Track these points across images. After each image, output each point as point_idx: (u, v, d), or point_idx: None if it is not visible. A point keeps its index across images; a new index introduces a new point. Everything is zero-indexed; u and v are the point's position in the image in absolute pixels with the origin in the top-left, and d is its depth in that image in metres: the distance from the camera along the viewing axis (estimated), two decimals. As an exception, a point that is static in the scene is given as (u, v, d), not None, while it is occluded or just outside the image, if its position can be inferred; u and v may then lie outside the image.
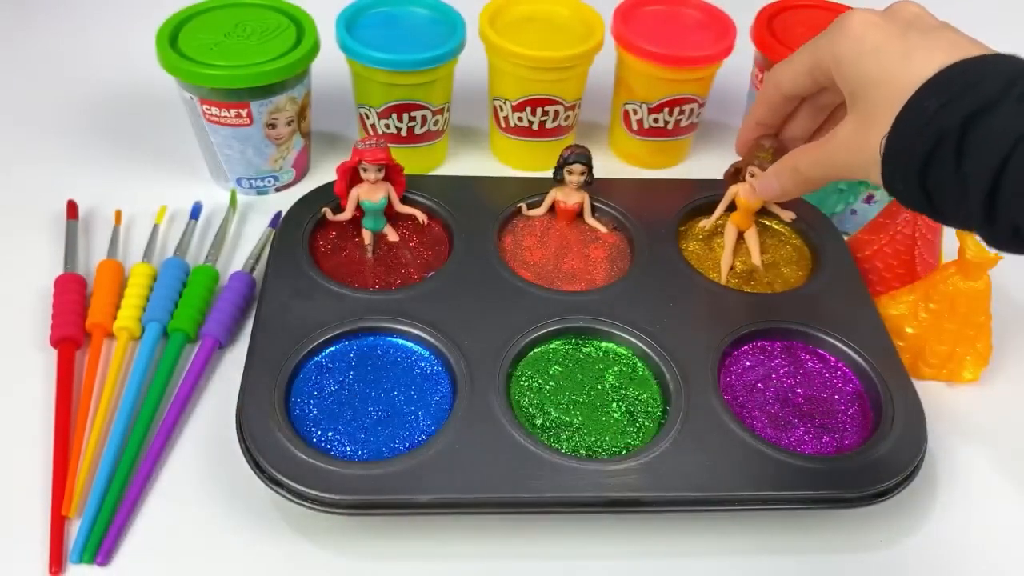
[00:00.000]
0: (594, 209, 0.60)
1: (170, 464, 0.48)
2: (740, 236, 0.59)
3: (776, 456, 0.46)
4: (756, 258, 0.58)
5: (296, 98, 0.61)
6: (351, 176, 0.55)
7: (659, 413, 0.49)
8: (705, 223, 0.60)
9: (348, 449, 0.46)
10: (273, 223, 0.61)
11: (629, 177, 0.69)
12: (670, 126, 0.67)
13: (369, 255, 0.57)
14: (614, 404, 0.49)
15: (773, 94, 0.48)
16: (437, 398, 0.49)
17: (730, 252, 0.58)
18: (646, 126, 0.68)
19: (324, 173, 0.67)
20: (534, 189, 0.61)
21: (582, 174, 0.57)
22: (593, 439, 0.48)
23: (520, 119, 0.65)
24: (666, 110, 0.66)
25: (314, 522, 0.45)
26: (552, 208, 0.60)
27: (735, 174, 0.57)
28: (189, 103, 0.60)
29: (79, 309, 0.53)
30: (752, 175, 0.55)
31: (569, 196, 0.59)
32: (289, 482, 0.43)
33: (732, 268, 0.58)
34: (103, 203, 0.62)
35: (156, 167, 0.67)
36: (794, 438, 0.49)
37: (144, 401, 0.49)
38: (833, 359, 0.53)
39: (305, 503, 0.43)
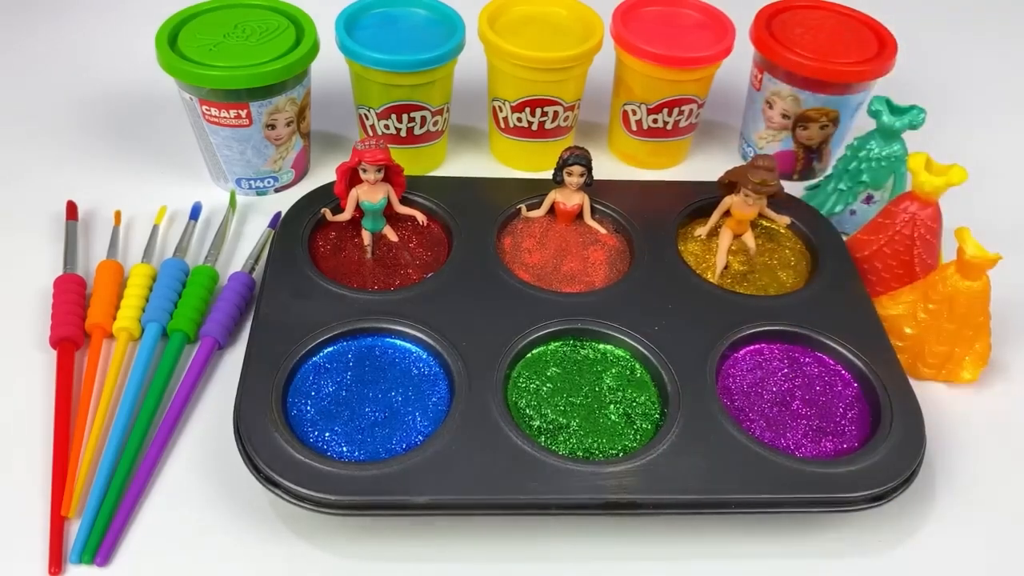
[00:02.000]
0: (594, 211, 0.60)
1: (169, 465, 0.48)
2: (736, 237, 0.58)
3: (774, 459, 0.46)
4: (752, 250, 0.58)
5: (295, 99, 0.61)
6: (351, 177, 0.55)
7: (656, 415, 0.49)
8: (701, 231, 0.60)
9: (345, 450, 0.46)
10: (272, 223, 0.61)
11: (628, 178, 0.69)
12: (669, 127, 0.67)
13: (368, 256, 0.57)
14: (611, 406, 0.49)
15: None
16: (434, 399, 0.49)
17: (724, 252, 0.58)
18: (645, 127, 0.68)
19: (324, 174, 0.67)
20: (534, 190, 0.61)
21: (581, 175, 0.57)
22: (590, 441, 0.48)
23: (519, 120, 0.65)
24: (665, 111, 0.66)
25: (311, 522, 0.45)
26: (552, 209, 0.60)
27: (729, 185, 0.57)
28: (189, 104, 0.60)
29: (79, 310, 0.53)
30: (746, 195, 0.55)
31: (569, 197, 0.59)
32: (286, 483, 0.43)
33: (727, 267, 0.58)
34: (103, 204, 0.62)
35: (156, 168, 0.67)
36: (792, 441, 0.49)
37: (143, 402, 0.50)
38: (832, 362, 0.53)
39: (302, 504, 0.43)
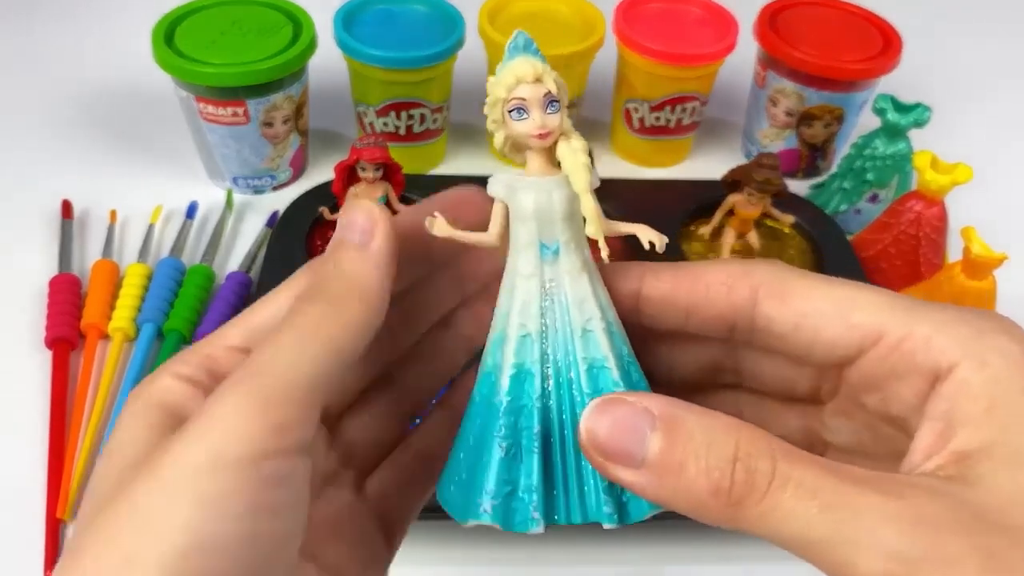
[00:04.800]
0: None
1: (164, 467, 0.47)
2: (740, 237, 0.58)
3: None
4: (756, 249, 0.57)
5: (293, 96, 0.60)
6: (349, 175, 0.55)
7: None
8: (704, 230, 0.59)
9: (344, 453, 0.45)
10: (270, 222, 0.60)
11: (630, 176, 0.68)
12: (672, 124, 0.67)
13: (367, 255, 0.56)
14: (613, 407, 0.49)
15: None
16: (434, 401, 0.48)
17: (727, 252, 0.57)
18: (648, 124, 0.67)
19: (321, 172, 0.67)
20: (534, 188, 0.60)
21: (582, 173, 0.56)
22: (592, 443, 0.47)
23: (520, 117, 0.65)
24: (668, 108, 0.65)
25: (309, 526, 0.45)
26: (552, 208, 0.59)
27: (733, 184, 0.57)
28: (185, 101, 0.59)
29: (74, 310, 0.53)
30: (750, 194, 0.55)
31: (569, 196, 0.58)
32: (283, 486, 0.42)
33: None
34: (98, 203, 0.62)
35: (152, 166, 0.66)
36: (796, 442, 0.48)
37: (139, 403, 0.49)
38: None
39: (300, 508, 0.42)
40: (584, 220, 0.22)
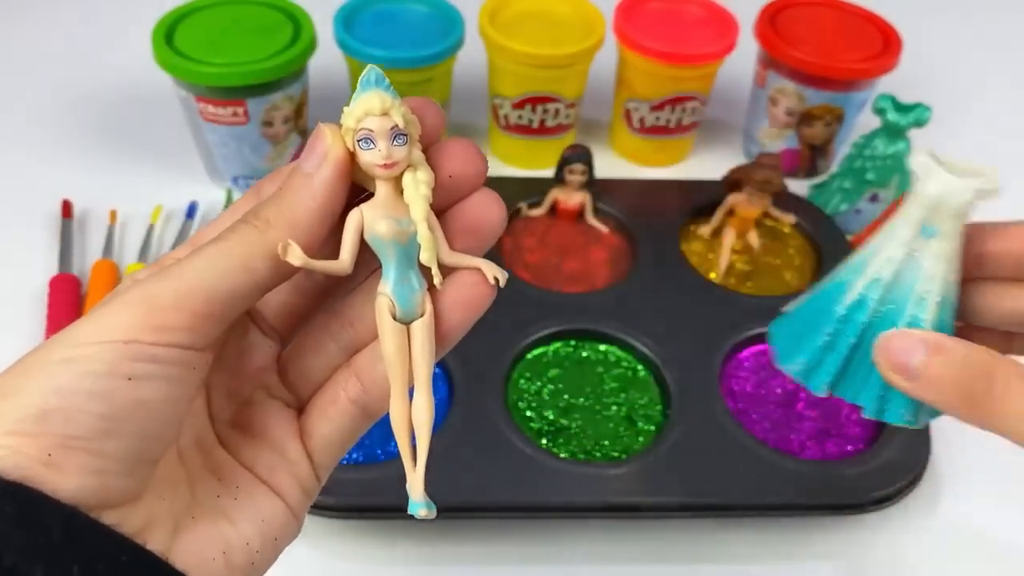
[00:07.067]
0: (595, 209, 0.59)
1: (164, 467, 0.47)
2: (740, 236, 0.58)
3: (778, 461, 0.45)
4: (756, 249, 0.57)
5: (293, 96, 0.60)
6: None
7: (659, 417, 0.48)
8: (704, 230, 0.59)
9: (344, 453, 0.45)
10: (270, 222, 0.60)
11: (631, 176, 0.68)
12: (672, 124, 0.67)
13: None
14: (613, 408, 0.49)
15: None
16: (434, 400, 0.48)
17: (727, 252, 0.57)
18: (648, 124, 0.67)
19: (322, 172, 0.66)
20: (534, 189, 0.60)
21: (583, 174, 0.57)
22: (591, 443, 0.47)
23: (520, 117, 0.65)
24: (668, 108, 0.65)
25: (308, 526, 0.45)
26: (553, 208, 0.59)
27: (733, 183, 0.57)
28: (185, 101, 0.59)
29: (74, 310, 0.53)
30: (750, 194, 0.55)
31: (570, 196, 0.58)
32: (283, 486, 0.42)
33: (731, 266, 0.58)
34: (98, 202, 0.62)
35: (152, 166, 0.66)
36: (796, 443, 0.48)
37: (138, 403, 0.49)
38: (836, 361, 0.52)
39: (300, 508, 0.42)
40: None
